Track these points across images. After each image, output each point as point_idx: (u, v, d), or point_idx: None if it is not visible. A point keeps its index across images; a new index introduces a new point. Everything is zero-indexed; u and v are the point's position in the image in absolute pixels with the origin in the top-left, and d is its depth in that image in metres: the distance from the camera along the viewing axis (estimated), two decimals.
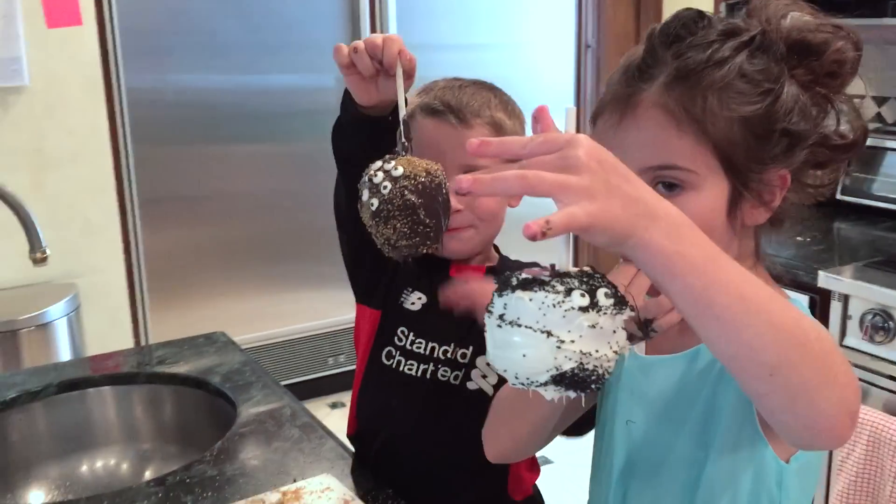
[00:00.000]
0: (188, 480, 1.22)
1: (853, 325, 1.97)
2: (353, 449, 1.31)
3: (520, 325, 0.60)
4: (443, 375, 1.20)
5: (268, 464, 1.26)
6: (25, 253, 1.46)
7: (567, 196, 0.58)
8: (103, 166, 2.90)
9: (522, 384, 0.62)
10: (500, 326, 0.62)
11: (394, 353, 1.23)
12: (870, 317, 1.93)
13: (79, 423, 1.51)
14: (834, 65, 0.83)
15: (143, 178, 2.99)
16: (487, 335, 0.64)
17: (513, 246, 1.29)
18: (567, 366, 0.60)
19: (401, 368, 1.22)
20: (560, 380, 0.61)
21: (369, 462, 1.25)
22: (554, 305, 0.59)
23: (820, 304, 2.03)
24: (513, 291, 0.61)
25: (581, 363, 0.60)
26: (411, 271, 1.22)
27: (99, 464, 1.50)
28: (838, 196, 2.53)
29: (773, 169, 0.83)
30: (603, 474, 0.95)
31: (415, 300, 1.23)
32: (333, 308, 3.32)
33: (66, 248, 2.86)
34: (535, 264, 0.72)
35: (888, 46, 2.56)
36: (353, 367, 1.33)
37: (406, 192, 0.92)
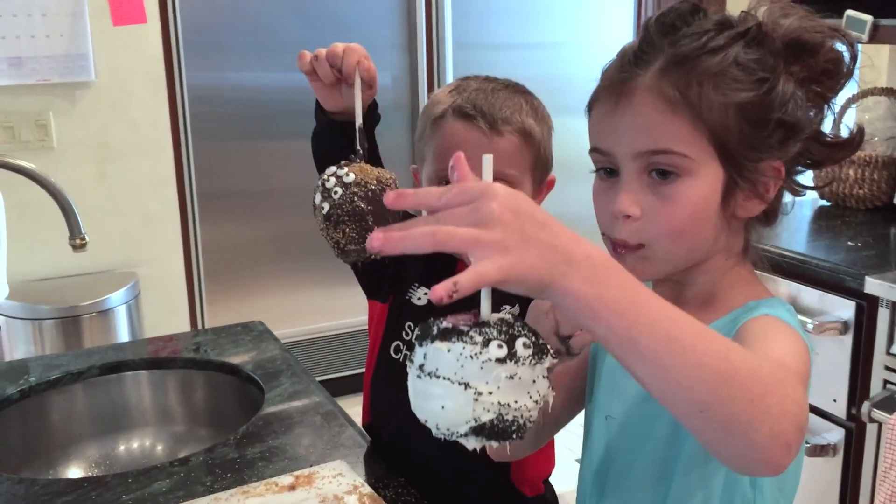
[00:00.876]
0: (210, 462, 1.26)
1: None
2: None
3: (438, 377, 0.60)
4: None
5: (287, 448, 1.30)
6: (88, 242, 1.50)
7: (480, 251, 0.57)
8: (164, 160, 3.00)
9: (444, 434, 0.63)
10: (419, 377, 0.62)
11: (401, 347, 1.25)
12: None
13: (117, 405, 1.57)
14: (829, 63, 0.83)
15: (202, 173, 3.08)
16: (409, 384, 0.64)
17: None
18: (486, 417, 0.60)
19: (406, 362, 1.23)
20: (480, 431, 0.61)
21: (381, 452, 1.28)
22: (471, 357, 0.59)
23: (868, 311, 1.98)
24: (432, 342, 0.61)
25: (500, 414, 0.60)
26: (419, 267, 1.24)
27: (135, 444, 1.56)
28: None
29: (767, 160, 0.84)
30: (584, 468, 0.96)
31: (421, 295, 1.25)
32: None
33: (128, 238, 2.97)
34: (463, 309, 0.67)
35: None
36: None
37: (356, 199, 0.96)
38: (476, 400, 0.59)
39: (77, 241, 1.37)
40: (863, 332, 2.00)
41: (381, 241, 0.57)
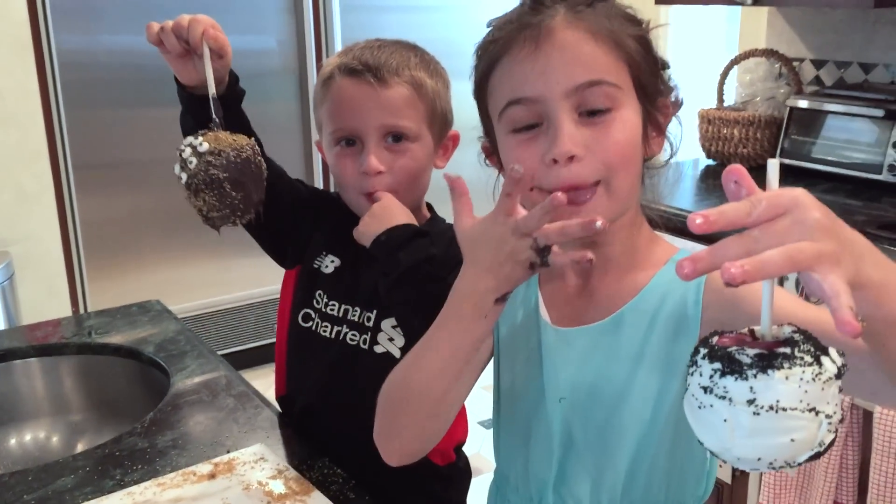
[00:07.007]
0: (118, 453, 1.19)
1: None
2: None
3: (784, 409, 0.55)
4: (352, 339, 1.21)
5: (201, 434, 1.24)
6: None
7: (823, 266, 0.54)
8: (35, 131, 2.81)
9: (774, 468, 0.58)
10: (756, 414, 0.55)
11: (312, 316, 1.24)
12: None
13: (6, 396, 1.47)
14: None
15: (76, 143, 2.90)
16: (732, 425, 0.57)
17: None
18: (828, 439, 0.57)
19: (317, 330, 1.23)
20: (817, 455, 0.57)
21: (293, 423, 1.26)
22: (812, 379, 0.55)
23: None
24: (763, 371, 0.55)
25: (836, 432, 0.57)
26: (324, 234, 1.24)
27: (28, 437, 1.46)
28: (777, 159, 2.55)
29: (660, 98, 0.88)
30: (537, 452, 0.93)
31: (328, 263, 1.25)
32: (278, 274, 3.27)
33: None
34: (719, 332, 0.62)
35: (827, 10, 2.58)
36: None
37: (210, 168, 0.98)
38: (828, 424, 0.56)
39: None
40: None
41: (741, 274, 0.52)
